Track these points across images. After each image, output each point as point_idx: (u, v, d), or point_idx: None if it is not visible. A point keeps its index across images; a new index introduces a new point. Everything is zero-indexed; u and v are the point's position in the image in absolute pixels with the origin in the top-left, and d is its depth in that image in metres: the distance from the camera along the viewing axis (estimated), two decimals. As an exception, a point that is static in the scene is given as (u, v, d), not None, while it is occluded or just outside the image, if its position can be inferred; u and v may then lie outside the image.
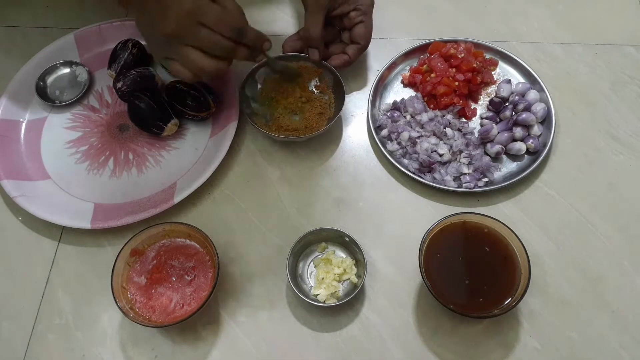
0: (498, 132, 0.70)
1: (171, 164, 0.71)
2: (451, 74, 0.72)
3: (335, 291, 0.61)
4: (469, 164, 0.68)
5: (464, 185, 0.67)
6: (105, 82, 0.77)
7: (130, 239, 0.59)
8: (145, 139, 0.73)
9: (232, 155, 0.71)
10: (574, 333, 0.60)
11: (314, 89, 0.74)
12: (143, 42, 0.77)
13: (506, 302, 0.56)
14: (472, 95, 0.74)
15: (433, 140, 0.69)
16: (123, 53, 0.74)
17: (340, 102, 0.70)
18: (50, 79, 0.77)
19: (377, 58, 0.78)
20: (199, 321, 0.61)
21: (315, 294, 0.61)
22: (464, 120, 0.73)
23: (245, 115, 0.70)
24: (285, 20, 0.83)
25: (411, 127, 0.71)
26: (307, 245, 0.64)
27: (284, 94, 0.73)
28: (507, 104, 0.73)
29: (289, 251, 0.61)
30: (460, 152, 0.69)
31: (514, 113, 0.71)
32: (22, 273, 0.65)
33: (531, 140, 0.69)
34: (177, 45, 0.59)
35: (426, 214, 0.67)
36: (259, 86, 0.74)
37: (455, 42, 0.75)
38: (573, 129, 0.72)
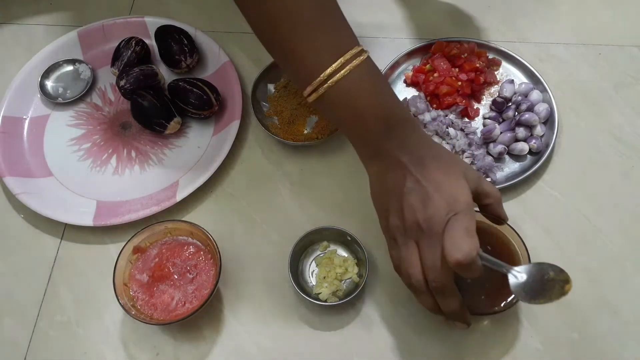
0: (501, 132, 0.70)
1: (173, 162, 0.71)
2: (454, 74, 0.72)
3: (337, 290, 0.61)
4: (472, 163, 0.68)
5: (466, 185, 0.67)
6: (108, 79, 0.78)
7: (132, 237, 0.60)
8: (148, 137, 0.73)
9: (234, 154, 0.71)
10: (575, 333, 0.60)
11: None
12: (147, 41, 0.77)
13: (508, 300, 0.56)
14: (475, 95, 0.74)
15: (435, 139, 0.69)
16: (126, 51, 0.74)
17: None
18: (53, 77, 0.77)
19: (380, 57, 0.78)
20: (201, 319, 0.61)
21: (317, 292, 0.61)
22: (466, 120, 0.72)
23: (257, 120, 0.70)
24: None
25: (414, 127, 0.71)
26: (309, 244, 0.64)
27: (295, 99, 0.73)
28: (510, 104, 0.72)
29: (290, 250, 0.61)
30: (463, 152, 0.69)
31: (516, 113, 0.71)
32: (24, 270, 0.65)
33: (534, 141, 0.69)
34: (408, 234, 0.51)
35: (428, 214, 0.67)
36: (272, 90, 0.74)
37: (459, 41, 0.75)
38: (576, 129, 0.72)
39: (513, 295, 0.56)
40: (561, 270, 0.49)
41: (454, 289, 0.51)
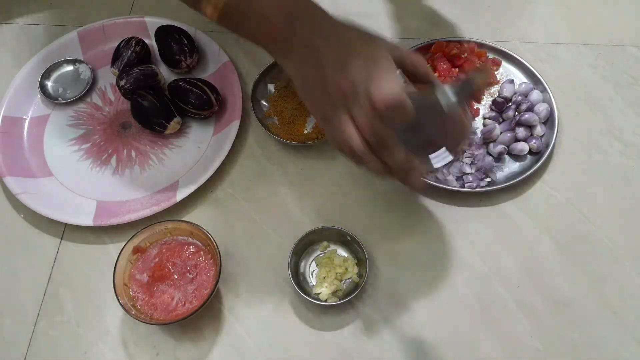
0: (501, 132, 0.70)
1: (173, 162, 0.71)
2: (454, 74, 0.72)
3: (337, 290, 0.61)
4: (472, 163, 0.68)
5: (466, 185, 0.67)
6: (108, 79, 0.78)
7: (132, 237, 0.60)
8: (148, 137, 0.73)
9: (234, 154, 0.71)
10: (575, 334, 0.60)
11: None
12: (147, 41, 0.77)
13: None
14: (475, 95, 0.74)
15: (435, 139, 0.69)
16: (126, 51, 0.74)
17: None
18: (53, 77, 0.77)
19: (380, 57, 0.78)
20: (201, 319, 0.61)
21: (317, 292, 0.61)
22: (466, 120, 0.72)
23: (257, 120, 0.70)
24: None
25: (414, 127, 0.71)
26: (309, 244, 0.64)
27: (295, 99, 0.73)
28: (510, 104, 0.72)
29: (290, 250, 0.61)
30: (463, 151, 0.69)
31: (516, 113, 0.71)
32: (24, 270, 0.65)
33: (534, 141, 0.69)
34: (337, 107, 0.49)
35: (428, 214, 0.67)
36: (272, 90, 0.74)
37: (459, 42, 0.75)
38: (576, 129, 0.72)
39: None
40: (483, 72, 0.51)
41: (394, 139, 0.49)
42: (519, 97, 0.72)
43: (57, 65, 0.77)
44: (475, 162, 0.68)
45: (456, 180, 0.68)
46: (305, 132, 0.71)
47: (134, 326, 0.61)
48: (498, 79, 0.75)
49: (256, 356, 0.60)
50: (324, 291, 0.61)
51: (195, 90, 0.70)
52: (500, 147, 0.69)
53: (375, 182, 0.69)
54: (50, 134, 0.74)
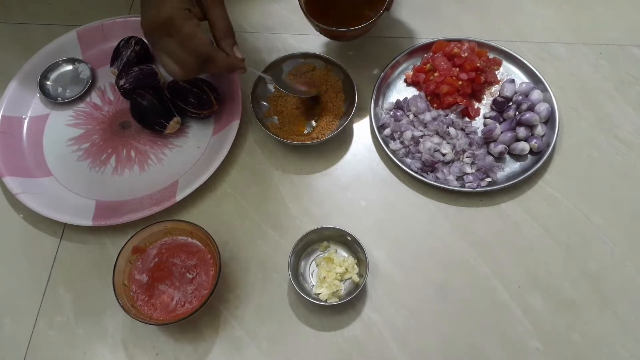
0: (501, 132, 0.70)
1: (173, 161, 0.71)
2: (454, 73, 0.72)
3: (337, 290, 0.61)
4: (472, 163, 0.68)
5: (466, 185, 0.67)
6: (107, 79, 0.77)
7: (132, 237, 0.59)
8: (148, 137, 0.73)
9: (234, 154, 0.71)
10: (575, 334, 0.60)
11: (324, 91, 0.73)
12: (146, 40, 0.77)
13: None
14: (476, 95, 0.74)
15: (436, 139, 0.69)
16: (126, 50, 0.74)
17: (350, 101, 0.70)
18: (52, 76, 0.77)
19: (380, 57, 0.78)
20: (201, 319, 0.61)
21: (317, 292, 0.61)
22: (467, 119, 0.72)
23: (257, 120, 0.70)
24: (281, 14, 0.83)
25: (414, 127, 0.70)
26: (309, 244, 0.64)
27: (295, 99, 0.73)
28: (511, 103, 0.72)
29: (290, 250, 0.61)
30: (463, 151, 0.69)
31: (517, 113, 0.71)
32: (24, 270, 0.65)
33: (534, 140, 0.69)
34: (155, 43, 0.61)
35: (428, 214, 0.67)
36: (272, 90, 0.74)
37: (459, 41, 0.75)
38: (577, 129, 0.72)
39: None
40: None
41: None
42: (520, 97, 0.72)
43: (56, 65, 0.77)
44: (476, 162, 0.68)
45: (456, 180, 0.68)
46: (305, 132, 0.71)
47: (134, 326, 0.61)
48: (499, 79, 0.75)
49: (256, 356, 0.60)
50: (324, 291, 0.60)
51: (195, 89, 0.70)
52: (500, 147, 0.68)
53: (376, 183, 0.69)
54: (49, 134, 0.74)
